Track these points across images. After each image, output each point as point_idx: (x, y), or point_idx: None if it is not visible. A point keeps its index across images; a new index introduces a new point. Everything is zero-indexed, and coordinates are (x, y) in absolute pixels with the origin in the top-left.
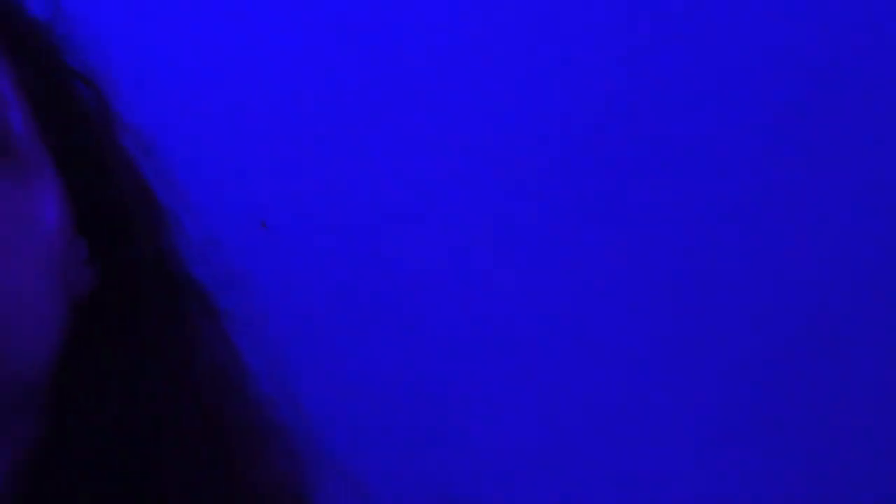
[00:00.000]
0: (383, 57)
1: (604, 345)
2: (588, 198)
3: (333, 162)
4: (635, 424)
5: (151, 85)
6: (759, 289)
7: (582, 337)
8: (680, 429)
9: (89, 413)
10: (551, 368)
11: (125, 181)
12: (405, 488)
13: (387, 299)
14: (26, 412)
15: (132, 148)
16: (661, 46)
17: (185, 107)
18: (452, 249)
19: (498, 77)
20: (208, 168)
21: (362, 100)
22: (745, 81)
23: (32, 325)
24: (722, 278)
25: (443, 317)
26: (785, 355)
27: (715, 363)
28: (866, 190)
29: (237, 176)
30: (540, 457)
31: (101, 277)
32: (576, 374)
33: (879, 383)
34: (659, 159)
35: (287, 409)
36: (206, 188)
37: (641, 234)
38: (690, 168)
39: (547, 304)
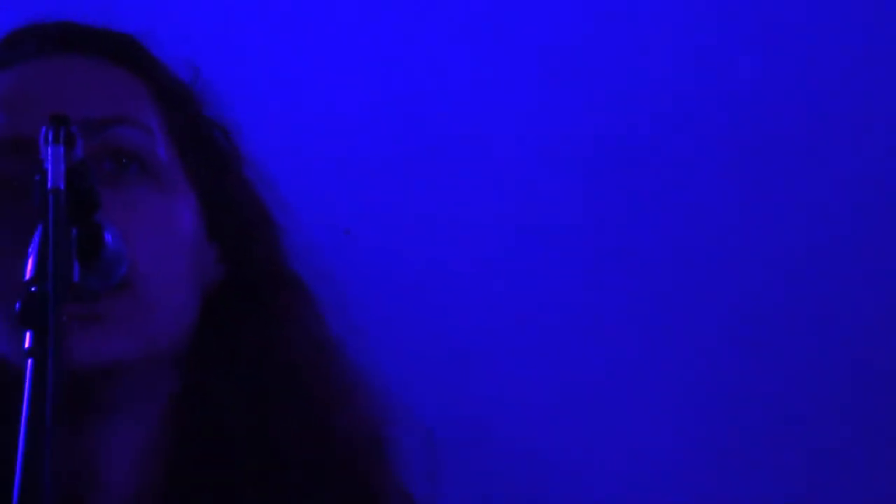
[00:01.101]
0: (447, 105)
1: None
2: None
3: (401, 186)
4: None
5: (267, 129)
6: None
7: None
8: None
9: (218, 373)
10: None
11: (246, 202)
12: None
13: (441, 287)
14: (169, 371)
15: (252, 176)
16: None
17: (294, 147)
18: (497, 257)
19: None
20: (308, 190)
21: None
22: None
23: (174, 304)
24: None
25: (487, 303)
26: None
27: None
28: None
29: (328, 197)
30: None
31: (228, 273)
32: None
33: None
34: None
35: (367, 372)
36: (306, 206)
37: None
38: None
39: (564, 298)
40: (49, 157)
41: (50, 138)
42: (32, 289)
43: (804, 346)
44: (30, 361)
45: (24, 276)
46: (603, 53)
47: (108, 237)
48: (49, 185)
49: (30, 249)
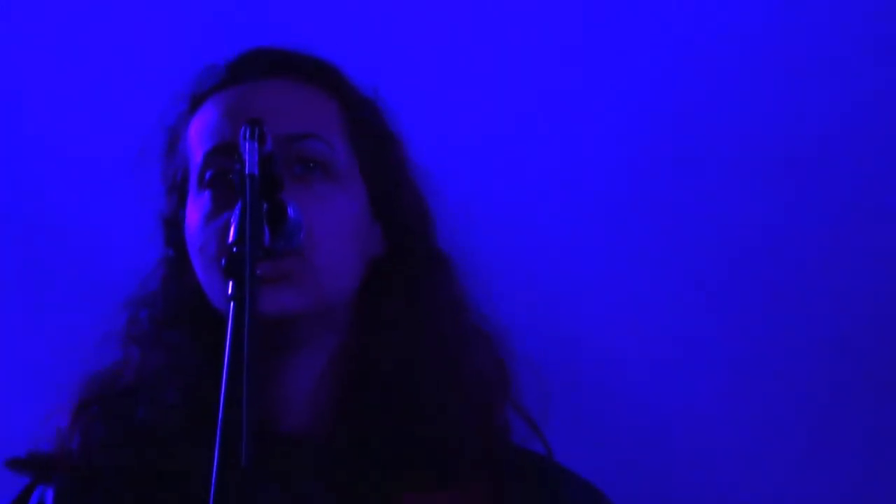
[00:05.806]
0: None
1: None
2: None
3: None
4: None
5: (429, 143)
6: None
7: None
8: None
9: (375, 329)
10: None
11: (407, 195)
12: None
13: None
14: (336, 325)
15: (418, 178)
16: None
17: (448, 161)
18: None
19: None
20: (453, 189)
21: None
22: None
23: (341, 269)
24: None
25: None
26: None
27: None
28: None
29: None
30: None
31: (389, 248)
32: None
33: None
34: None
35: (494, 323)
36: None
37: None
38: None
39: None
40: (246, 150)
41: (247, 136)
42: (234, 249)
43: None
44: (231, 305)
45: (227, 239)
46: None
47: (290, 211)
48: (246, 170)
49: (232, 219)
